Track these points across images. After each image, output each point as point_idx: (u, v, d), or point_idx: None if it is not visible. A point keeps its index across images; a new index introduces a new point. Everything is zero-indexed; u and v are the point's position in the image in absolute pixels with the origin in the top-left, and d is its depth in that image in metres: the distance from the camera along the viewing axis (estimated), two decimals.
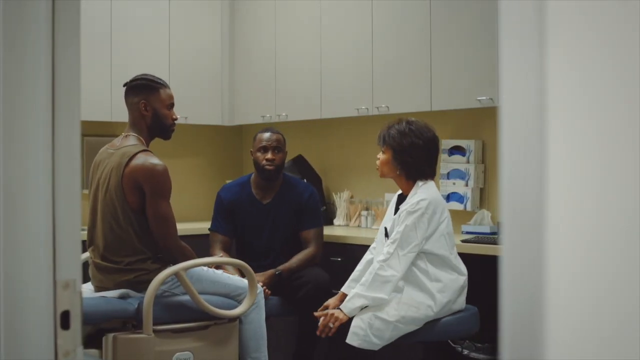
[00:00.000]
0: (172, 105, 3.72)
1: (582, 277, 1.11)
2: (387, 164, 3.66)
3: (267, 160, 4.30)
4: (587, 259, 1.12)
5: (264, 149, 4.32)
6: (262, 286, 3.97)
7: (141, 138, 3.63)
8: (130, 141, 3.60)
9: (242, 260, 3.80)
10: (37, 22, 1.40)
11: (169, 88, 3.74)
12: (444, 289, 3.51)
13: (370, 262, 3.72)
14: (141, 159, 3.49)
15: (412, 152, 3.60)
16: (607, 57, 1.10)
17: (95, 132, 5.35)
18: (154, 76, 3.74)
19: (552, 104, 1.04)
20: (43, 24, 1.40)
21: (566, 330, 1.11)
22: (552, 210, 1.08)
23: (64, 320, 1.41)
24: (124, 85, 3.72)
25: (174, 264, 3.53)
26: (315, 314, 3.69)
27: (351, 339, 3.48)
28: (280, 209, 4.38)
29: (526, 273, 1.10)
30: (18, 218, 1.39)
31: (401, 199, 3.70)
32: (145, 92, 3.64)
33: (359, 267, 3.81)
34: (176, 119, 3.74)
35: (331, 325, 3.55)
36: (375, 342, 3.47)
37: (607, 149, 1.11)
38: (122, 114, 5.30)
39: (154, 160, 3.50)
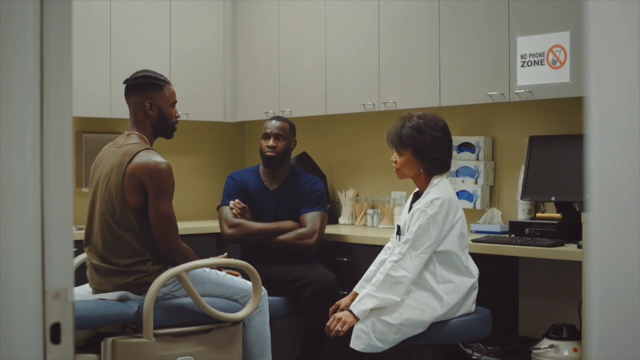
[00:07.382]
0: (175, 103, 3.63)
1: None
2: (407, 165, 3.57)
3: (268, 147, 4.38)
4: None
5: (267, 136, 4.42)
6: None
7: (144, 137, 3.54)
8: (133, 139, 3.52)
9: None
10: (25, 21, 1.33)
11: (171, 85, 3.64)
12: (453, 291, 3.44)
13: (384, 262, 3.63)
14: (144, 157, 3.41)
15: (436, 146, 3.52)
16: None
17: (95, 129, 5.28)
18: (155, 72, 3.64)
19: None
20: (30, 22, 1.33)
21: None
22: None
23: (54, 333, 1.31)
24: (124, 82, 3.60)
25: (174, 265, 3.45)
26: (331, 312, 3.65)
27: (354, 343, 3.43)
28: (285, 196, 4.40)
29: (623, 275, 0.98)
30: (3, 221, 1.29)
31: (417, 197, 3.61)
32: (149, 91, 3.54)
33: (372, 267, 3.74)
34: (179, 117, 3.65)
35: (340, 328, 3.46)
36: (379, 346, 3.42)
37: None
38: (122, 110, 5.19)
39: (158, 158, 3.43)
